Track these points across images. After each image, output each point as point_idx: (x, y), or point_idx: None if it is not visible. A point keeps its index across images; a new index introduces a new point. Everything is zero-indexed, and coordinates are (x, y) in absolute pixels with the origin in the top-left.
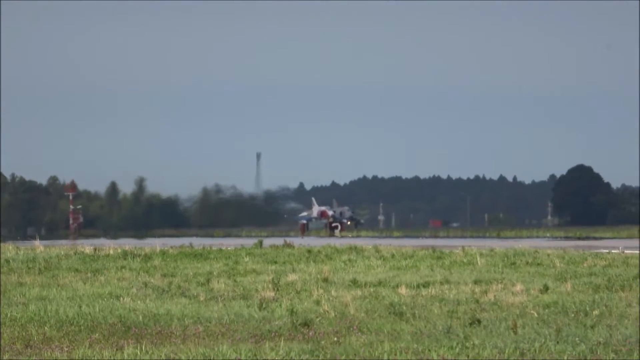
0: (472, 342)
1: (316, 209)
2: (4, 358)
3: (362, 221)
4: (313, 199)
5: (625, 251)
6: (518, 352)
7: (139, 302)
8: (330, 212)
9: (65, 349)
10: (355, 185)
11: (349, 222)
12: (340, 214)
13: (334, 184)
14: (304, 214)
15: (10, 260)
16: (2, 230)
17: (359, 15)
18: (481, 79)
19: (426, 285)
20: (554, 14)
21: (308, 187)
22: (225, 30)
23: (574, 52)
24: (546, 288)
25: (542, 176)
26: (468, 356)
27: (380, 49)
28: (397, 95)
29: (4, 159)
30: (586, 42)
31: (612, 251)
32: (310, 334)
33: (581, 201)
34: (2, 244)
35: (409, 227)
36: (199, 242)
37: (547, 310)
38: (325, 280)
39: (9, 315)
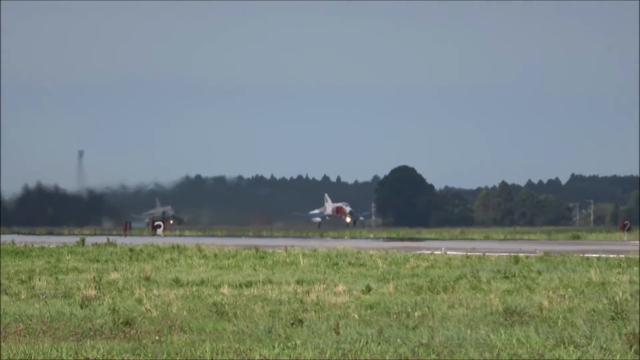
0: (294, 342)
1: (330, 206)
2: None
3: (185, 220)
4: (326, 195)
5: (448, 252)
6: (340, 352)
7: None
8: (347, 209)
9: None
10: (177, 186)
11: (171, 221)
12: (163, 213)
13: (157, 183)
14: (316, 211)
15: None
16: None
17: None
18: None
19: (249, 284)
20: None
21: (131, 185)
22: (58, 20)
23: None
24: (368, 289)
25: (365, 177)
26: (289, 356)
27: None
28: (219, 92)
29: None
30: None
31: (435, 252)
32: (132, 332)
33: (404, 202)
34: None
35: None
36: (20, 240)
37: (369, 311)
38: (147, 279)
39: None
